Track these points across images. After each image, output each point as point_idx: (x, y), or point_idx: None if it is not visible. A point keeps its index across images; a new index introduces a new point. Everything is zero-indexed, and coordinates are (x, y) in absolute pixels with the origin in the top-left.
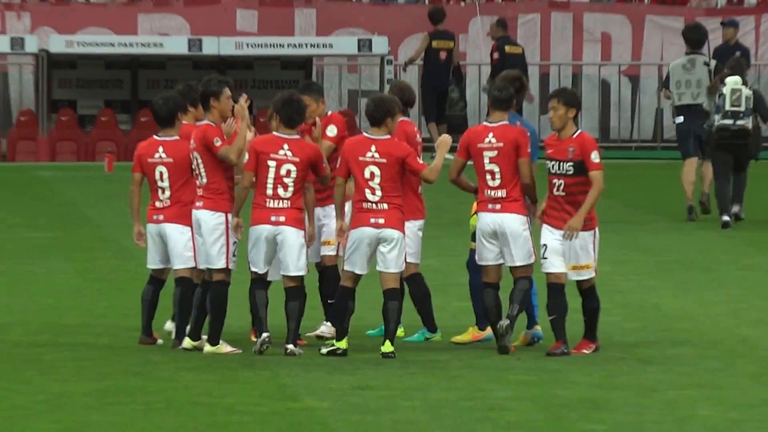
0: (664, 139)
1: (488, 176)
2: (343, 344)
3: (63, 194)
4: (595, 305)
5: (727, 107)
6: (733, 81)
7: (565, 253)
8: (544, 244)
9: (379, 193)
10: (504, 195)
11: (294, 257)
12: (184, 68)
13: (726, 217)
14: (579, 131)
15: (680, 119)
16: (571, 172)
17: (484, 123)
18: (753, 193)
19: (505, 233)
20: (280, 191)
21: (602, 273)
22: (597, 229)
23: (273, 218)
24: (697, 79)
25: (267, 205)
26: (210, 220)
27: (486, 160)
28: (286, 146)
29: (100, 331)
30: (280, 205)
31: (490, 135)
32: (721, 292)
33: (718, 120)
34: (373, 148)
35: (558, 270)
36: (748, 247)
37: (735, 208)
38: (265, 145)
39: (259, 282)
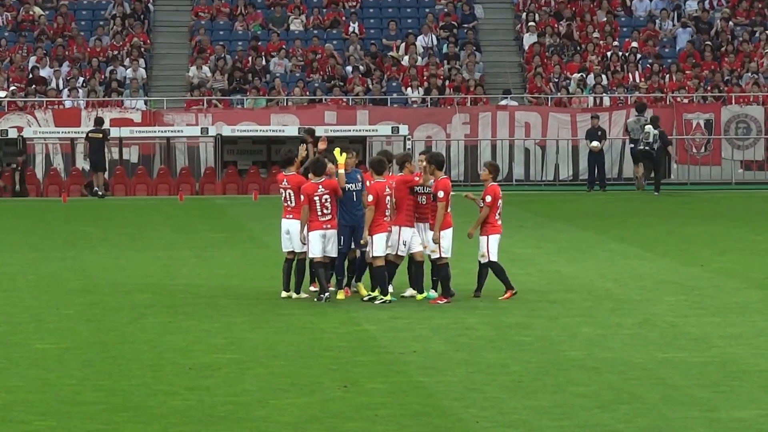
0: (560, 180)
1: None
2: (388, 297)
3: (229, 213)
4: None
5: (645, 140)
6: (649, 128)
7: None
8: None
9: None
10: None
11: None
12: (296, 143)
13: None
14: (443, 177)
15: (632, 145)
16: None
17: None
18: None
19: None
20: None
21: (525, 253)
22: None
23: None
24: (640, 126)
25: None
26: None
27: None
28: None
29: (250, 288)
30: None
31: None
32: (592, 263)
33: (641, 146)
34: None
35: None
36: (607, 240)
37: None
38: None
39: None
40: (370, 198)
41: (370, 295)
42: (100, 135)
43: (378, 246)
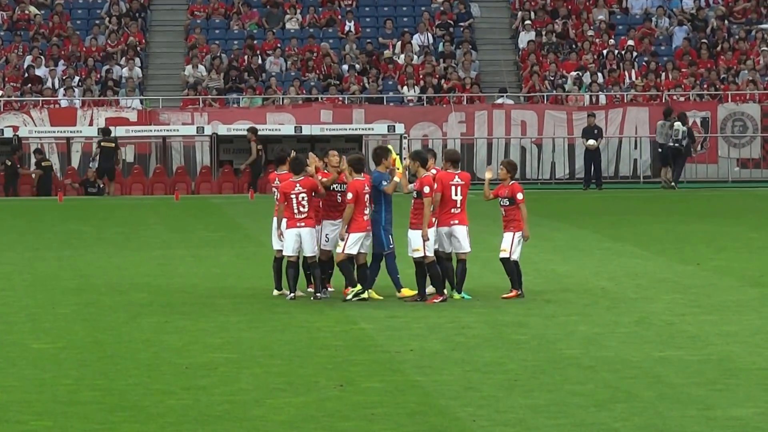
0: (557, 178)
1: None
2: (358, 287)
3: (225, 212)
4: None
5: (674, 137)
6: (678, 125)
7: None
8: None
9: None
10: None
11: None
12: (291, 142)
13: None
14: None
15: (660, 149)
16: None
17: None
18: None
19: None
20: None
21: (521, 251)
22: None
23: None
24: (668, 126)
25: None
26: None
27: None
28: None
29: (246, 287)
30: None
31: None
32: (589, 261)
33: (671, 143)
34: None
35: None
36: (603, 238)
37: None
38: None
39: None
40: (350, 196)
41: (354, 292)
42: (113, 144)
43: (351, 245)
